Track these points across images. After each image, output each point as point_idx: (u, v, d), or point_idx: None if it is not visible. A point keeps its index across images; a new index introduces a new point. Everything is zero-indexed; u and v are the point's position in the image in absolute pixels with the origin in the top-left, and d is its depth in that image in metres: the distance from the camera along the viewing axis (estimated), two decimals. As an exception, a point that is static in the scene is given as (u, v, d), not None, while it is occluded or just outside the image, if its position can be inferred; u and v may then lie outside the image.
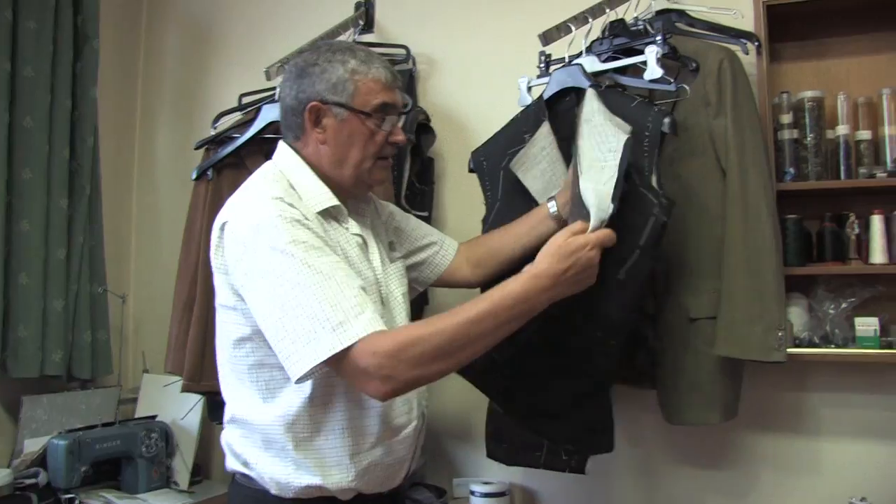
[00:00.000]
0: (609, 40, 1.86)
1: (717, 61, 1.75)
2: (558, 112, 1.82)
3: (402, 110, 1.51)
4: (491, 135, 1.94)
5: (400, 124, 1.50)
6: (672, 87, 1.67)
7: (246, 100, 2.23)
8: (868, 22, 1.96)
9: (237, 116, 2.24)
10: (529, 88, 1.97)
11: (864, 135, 1.90)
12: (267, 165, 1.45)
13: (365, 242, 1.46)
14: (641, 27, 1.89)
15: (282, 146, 1.47)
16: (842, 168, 1.89)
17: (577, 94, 1.78)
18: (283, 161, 1.44)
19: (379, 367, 1.19)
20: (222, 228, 1.33)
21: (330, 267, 1.24)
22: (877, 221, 1.84)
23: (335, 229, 1.39)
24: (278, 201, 1.29)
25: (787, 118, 1.92)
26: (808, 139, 1.90)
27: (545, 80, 1.93)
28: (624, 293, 1.48)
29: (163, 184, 2.88)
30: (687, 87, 1.68)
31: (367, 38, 2.41)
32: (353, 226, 1.44)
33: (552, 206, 1.66)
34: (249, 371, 1.34)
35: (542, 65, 1.98)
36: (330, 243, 1.31)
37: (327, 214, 1.38)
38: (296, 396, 1.32)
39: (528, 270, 1.30)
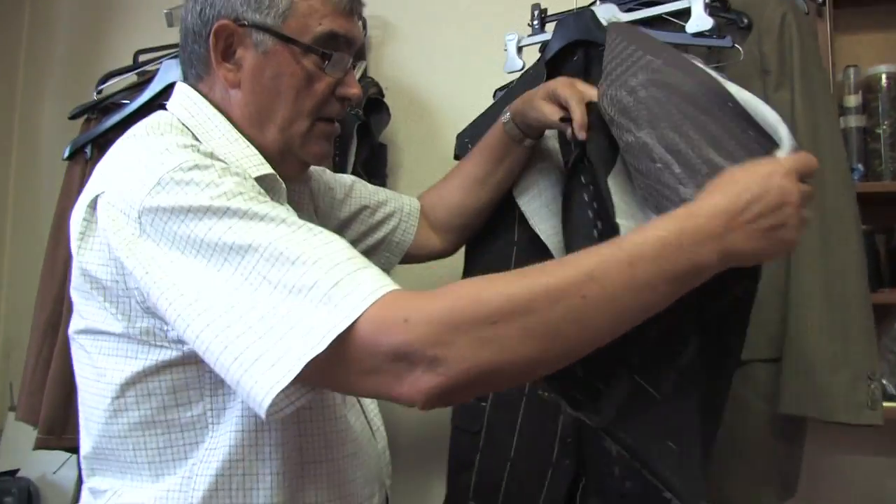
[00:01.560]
0: (626, -11, 1.40)
1: (778, 15, 1.30)
2: (564, 74, 1.35)
3: (357, 51, 1.02)
4: (472, 115, 1.47)
5: (357, 73, 1.01)
6: (728, 43, 1.22)
7: (144, 57, 1.70)
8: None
9: (132, 79, 1.70)
10: (520, 49, 1.49)
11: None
12: (156, 115, 0.94)
13: None
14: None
15: (181, 88, 0.97)
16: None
17: (585, 50, 1.32)
18: (182, 106, 0.94)
19: (423, 342, 0.67)
20: (93, 205, 0.83)
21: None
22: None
23: None
24: (191, 149, 0.81)
25: (853, 100, 1.49)
26: (883, 128, 1.47)
27: (540, 37, 1.47)
28: None
29: (48, 164, 2.27)
30: (740, 48, 1.24)
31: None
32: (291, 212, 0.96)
33: (505, 116, 1.23)
34: (131, 433, 0.85)
35: (535, 21, 1.51)
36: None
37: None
38: (207, 469, 0.84)
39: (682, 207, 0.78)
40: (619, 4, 1.34)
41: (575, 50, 1.33)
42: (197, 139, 0.90)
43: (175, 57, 1.52)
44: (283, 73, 0.93)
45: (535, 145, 1.23)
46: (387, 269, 1.27)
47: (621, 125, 1.00)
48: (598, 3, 1.36)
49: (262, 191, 0.82)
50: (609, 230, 0.94)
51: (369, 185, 1.28)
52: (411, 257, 1.30)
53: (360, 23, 1.01)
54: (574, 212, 1.06)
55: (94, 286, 0.84)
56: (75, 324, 0.89)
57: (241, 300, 0.72)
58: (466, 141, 1.43)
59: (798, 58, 1.28)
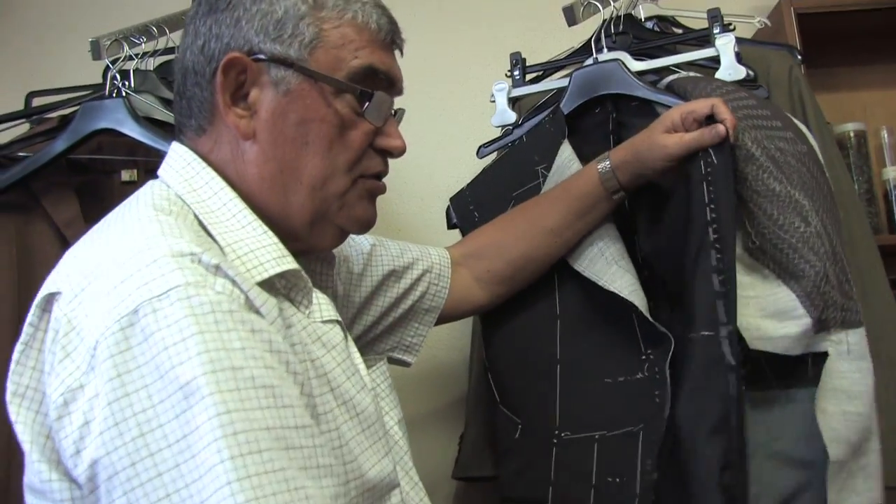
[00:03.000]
0: (627, 36, 1.31)
1: (786, 69, 1.29)
2: (581, 131, 1.22)
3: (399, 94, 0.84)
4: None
5: (397, 120, 0.84)
6: (764, 94, 1.16)
7: (40, 101, 1.36)
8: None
9: (23, 127, 1.35)
10: (513, 101, 1.35)
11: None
12: (153, 187, 0.75)
13: (345, 336, 0.76)
14: (653, 26, 1.39)
15: (177, 150, 0.78)
16: (896, 221, 1.50)
17: (614, 103, 1.21)
18: (180, 177, 0.75)
19: None
20: (46, 307, 0.64)
21: (293, 454, 0.59)
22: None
23: (289, 319, 0.69)
24: (189, 263, 0.61)
25: (829, 157, 1.49)
26: (857, 183, 1.48)
27: (535, 88, 1.34)
28: None
29: None
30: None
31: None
32: (323, 305, 0.75)
33: (604, 166, 1.07)
34: None
35: (515, 71, 1.37)
36: (291, 364, 0.63)
37: (273, 289, 0.69)
38: None
39: None
40: (629, 51, 1.25)
41: (599, 102, 1.21)
42: (199, 219, 0.71)
43: (98, 98, 1.22)
44: (311, 118, 0.75)
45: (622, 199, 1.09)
46: (417, 344, 1.07)
47: (768, 169, 0.92)
48: (604, 50, 1.25)
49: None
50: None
51: (391, 244, 1.07)
52: (446, 317, 1.10)
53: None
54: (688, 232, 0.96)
55: (26, 418, 0.62)
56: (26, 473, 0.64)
57: None
58: (472, 208, 1.25)
59: (811, 112, 1.26)
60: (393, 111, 0.82)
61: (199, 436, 0.54)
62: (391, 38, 0.80)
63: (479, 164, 1.35)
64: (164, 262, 0.60)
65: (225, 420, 0.54)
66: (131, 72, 1.25)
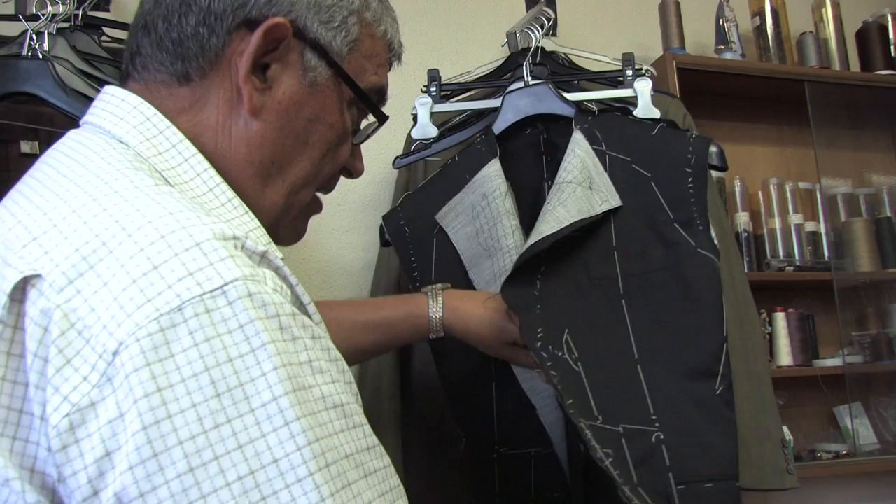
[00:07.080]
0: (544, 68, 1.40)
1: (680, 115, 1.44)
2: (511, 151, 1.28)
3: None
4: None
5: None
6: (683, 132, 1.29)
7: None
8: (754, 112, 1.88)
9: None
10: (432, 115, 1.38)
11: (748, 226, 1.77)
12: (109, 143, 0.59)
13: None
14: (562, 60, 1.49)
15: (124, 98, 0.62)
16: (744, 260, 1.71)
17: (544, 124, 1.28)
18: (140, 133, 0.60)
19: None
20: (18, 296, 0.48)
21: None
22: (780, 319, 1.69)
23: None
24: (233, 249, 0.50)
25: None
26: (718, 224, 1.68)
27: (455, 107, 1.39)
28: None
29: None
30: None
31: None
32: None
33: (434, 310, 1.05)
34: None
35: (431, 89, 1.41)
36: (346, 372, 0.56)
37: None
38: None
39: None
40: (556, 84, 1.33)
41: (529, 123, 1.28)
42: (169, 182, 0.58)
43: (12, 57, 1.10)
44: (322, 119, 0.68)
45: None
46: None
47: None
48: (528, 79, 1.33)
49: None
50: None
51: None
52: None
53: None
54: None
55: None
56: None
57: None
58: (402, 223, 1.25)
59: (700, 157, 1.42)
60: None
61: (279, 470, 0.45)
62: (394, 59, 0.76)
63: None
64: (210, 248, 0.48)
65: (316, 450, 0.46)
66: (46, 34, 1.15)
